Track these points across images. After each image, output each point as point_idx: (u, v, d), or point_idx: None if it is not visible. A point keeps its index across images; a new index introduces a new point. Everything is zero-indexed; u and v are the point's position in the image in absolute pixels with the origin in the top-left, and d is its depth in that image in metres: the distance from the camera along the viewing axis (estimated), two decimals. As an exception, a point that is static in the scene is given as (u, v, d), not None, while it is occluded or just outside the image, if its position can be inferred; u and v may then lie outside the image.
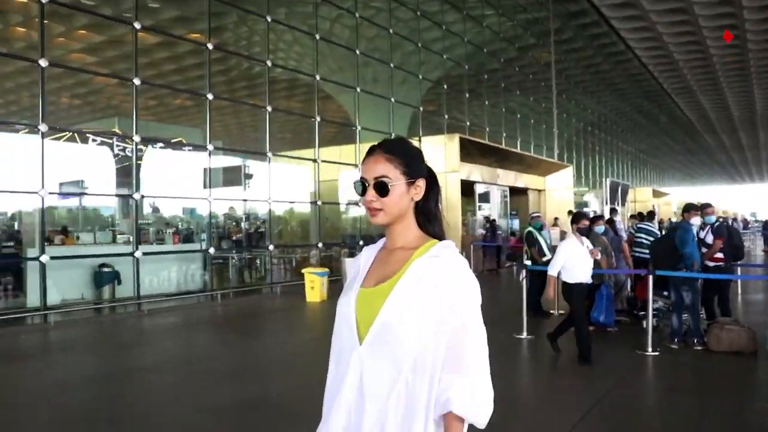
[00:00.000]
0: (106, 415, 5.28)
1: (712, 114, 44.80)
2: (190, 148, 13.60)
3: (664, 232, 11.26)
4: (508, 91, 25.09)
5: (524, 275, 8.75)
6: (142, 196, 11.06)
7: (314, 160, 14.55)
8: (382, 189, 1.66)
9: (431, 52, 19.40)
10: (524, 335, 8.33)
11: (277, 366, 7.17)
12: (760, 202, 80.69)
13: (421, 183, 1.72)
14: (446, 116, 19.96)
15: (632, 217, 13.98)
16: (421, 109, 18.84)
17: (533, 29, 26.44)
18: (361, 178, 1.69)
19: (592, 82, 35.35)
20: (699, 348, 7.39)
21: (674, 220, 26.98)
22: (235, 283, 13.48)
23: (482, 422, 1.60)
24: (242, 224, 15.62)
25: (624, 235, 11.20)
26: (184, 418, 5.14)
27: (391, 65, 17.48)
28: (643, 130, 48.31)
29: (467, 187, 18.86)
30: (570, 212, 21.28)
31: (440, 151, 16.81)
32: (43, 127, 9.48)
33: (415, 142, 16.95)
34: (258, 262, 13.96)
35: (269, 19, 13.84)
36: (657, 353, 7.19)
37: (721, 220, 9.49)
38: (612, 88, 37.78)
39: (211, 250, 12.33)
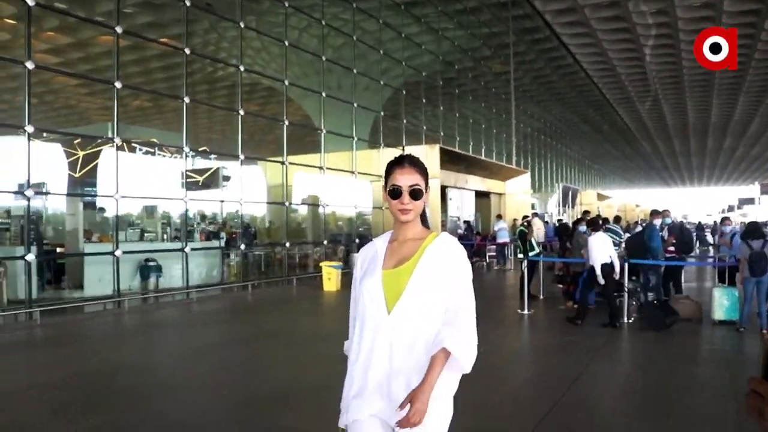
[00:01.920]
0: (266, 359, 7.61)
1: (649, 123, 49.20)
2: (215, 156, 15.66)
3: (629, 233, 14.21)
4: (475, 101, 27.99)
5: (526, 264, 11.40)
6: (191, 200, 13.14)
7: (320, 167, 16.88)
8: (416, 195, 2.18)
9: (410, 67, 21.92)
10: (526, 311, 10.97)
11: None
12: (691, 206, 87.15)
13: (429, 191, 2.25)
14: (425, 127, 22.58)
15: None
16: (405, 121, 21.35)
17: (491, 42, 29.33)
18: (396, 185, 2.18)
19: (541, 93, 38.67)
20: (661, 317, 10.20)
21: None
22: (258, 275, 15.73)
23: (468, 365, 2.08)
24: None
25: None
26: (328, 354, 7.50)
27: (380, 81, 19.92)
28: (587, 138, 52.47)
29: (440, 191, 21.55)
30: (534, 214, 24.19)
31: (421, 159, 19.34)
32: (117, 141, 11.52)
33: (398, 150, 19.56)
34: (273, 257, 16.21)
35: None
36: (631, 321, 9.96)
37: (675, 220, 12.44)
38: (559, 98, 41.28)
39: (242, 246, 14.53)
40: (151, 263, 13.21)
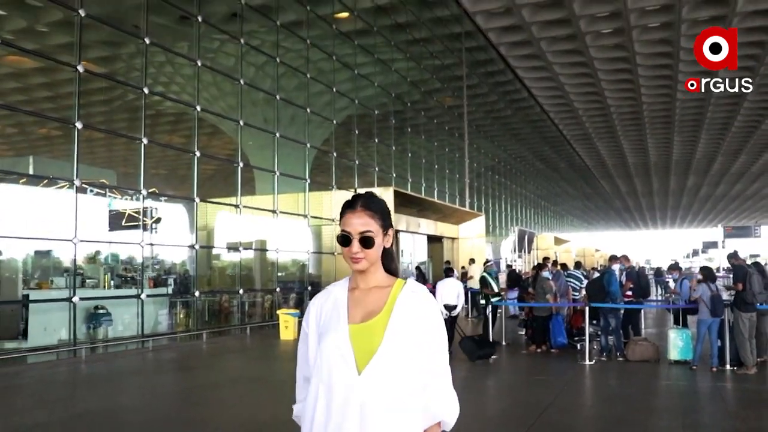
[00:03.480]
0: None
1: (609, 161, 52.92)
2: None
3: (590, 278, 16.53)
4: (427, 139, 30.37)
5: (489, 309, 13.46)
6: (151, 244, 14.77)
7: (273, 211, 18.68)
8: (367, 243, 2.25)
9: (358, 103, 24.04)
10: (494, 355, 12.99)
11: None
12: (654, 249, 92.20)
13: (391, 232, 2.36)
14: (377, 168, 24.70)
15: (553, 264, 19.07)
16: (357, 161, 23.40)
17: (442, 75, 31.79)
18: (345, 231, 2.26)
19: (495, 129, 41.38)
20: (621, 359, 12.38)
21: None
22: (212, 324, 17.37)
23: (452, 424, 2.31)
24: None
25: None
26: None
27: (335, 120, 21.96)
28: (543, 176, 55.78)
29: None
30: (472, 260, 26.19)
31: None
32: (77, 182, 13.08)
33: (350, 192, 21.46)
34: (227, 304, 17.81)
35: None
36: (593, 362, 12.10)
37: (633, 266, 14.81)
38: (513, 134, 44.21)
39: (197, 294, 16.12)
40: (101, 311, 14.61)
